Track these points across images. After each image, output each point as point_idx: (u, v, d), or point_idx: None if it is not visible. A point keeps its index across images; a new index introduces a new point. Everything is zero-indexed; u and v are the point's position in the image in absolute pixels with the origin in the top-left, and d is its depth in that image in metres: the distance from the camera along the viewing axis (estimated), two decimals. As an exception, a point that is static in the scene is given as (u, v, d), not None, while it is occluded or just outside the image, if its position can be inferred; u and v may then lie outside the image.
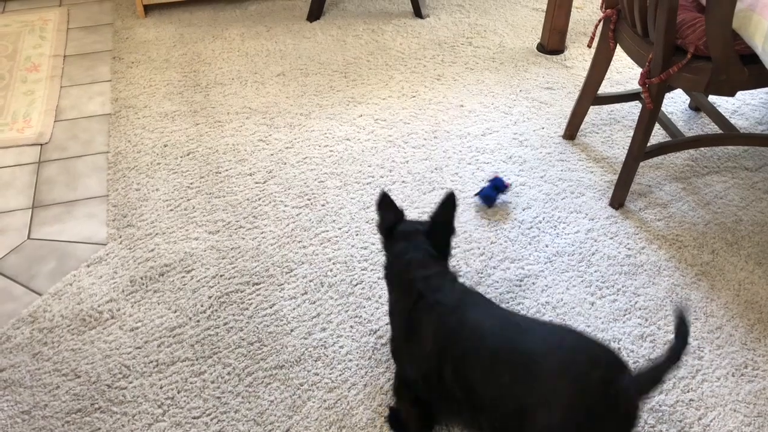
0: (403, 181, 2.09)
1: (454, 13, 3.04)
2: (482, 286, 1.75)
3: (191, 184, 2.10)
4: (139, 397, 1.51)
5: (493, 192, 1.99)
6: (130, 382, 1.54)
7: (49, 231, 1.96)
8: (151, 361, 1.59)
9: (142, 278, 1.79)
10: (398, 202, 2.00)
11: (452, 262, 1.62)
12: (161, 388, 1.53)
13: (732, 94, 1.72)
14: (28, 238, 1.94)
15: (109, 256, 1.86)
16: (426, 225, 1.47)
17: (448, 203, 1.45)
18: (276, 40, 2.85)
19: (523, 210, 1.99)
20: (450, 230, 1.48)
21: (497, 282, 1.77)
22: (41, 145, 2.29)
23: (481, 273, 1.79)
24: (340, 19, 3.01)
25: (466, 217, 1.97)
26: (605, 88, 2.50)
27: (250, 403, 1.50)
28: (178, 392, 1.52)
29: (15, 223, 1.98)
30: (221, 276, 1.79)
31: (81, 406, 1.50)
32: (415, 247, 1.42)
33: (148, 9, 3.08)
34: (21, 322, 1.68)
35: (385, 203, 1.50)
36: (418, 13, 3.01)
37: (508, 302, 1.71)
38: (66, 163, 2.21)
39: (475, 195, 2.01)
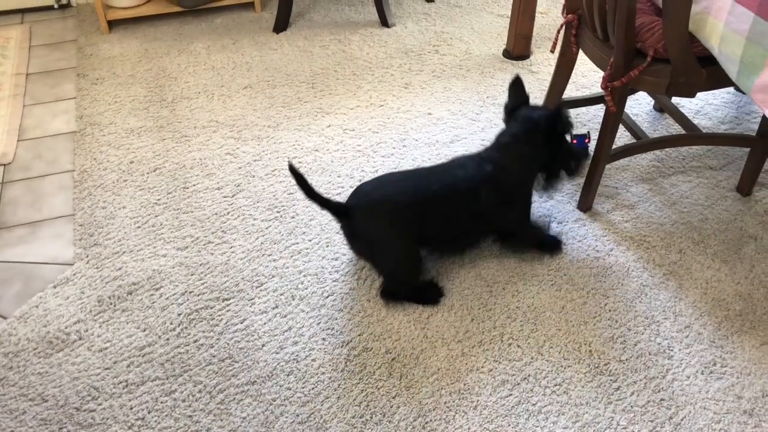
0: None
1: (420, 22, 3.06)
2: (452, 293, 1.75)
3: (158, 200, 2.08)
4: (108, 419, 1.49)
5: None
6: (100, 404, 1.52)
7: (13, 253, 1.92)
8: (121, 382, 1.56)
9: (110, 298, 1.77)
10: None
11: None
12: (131, 408, 1.51)
13: (692, 95, 1.74)
14: (-8, 260, 1.90)
15: (76, 276, 1.83)
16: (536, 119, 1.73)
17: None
18: (242, 52, 2.84)
19: (493, 216, 2.00)
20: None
21: (467, 288, 1.77)
22: (4, 165, 2.25)
23: (452, 280, 1.79)
24: (306, 29, 3.01)
25: (436, 224, 1.97)
26: (570, 92, 2.53)
27: (222, 420, 1.48)
28: (149, 412, 1.50)
29: (-22, 246, 1.95)
30: (190, 293, 1.78)
31: (49, 431, 1.47)
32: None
33: (112, 24, 3.06)
34: (-15, 347, 1.65)
35: (517, 86, 1.78)
36: (384, 22, 3.02)
37: (478, 308, 1.71)
38: (30, 183, 2.18)
39: None
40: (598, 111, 2.44)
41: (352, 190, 2.09)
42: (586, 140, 2.14)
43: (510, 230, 1.84)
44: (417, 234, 1.70)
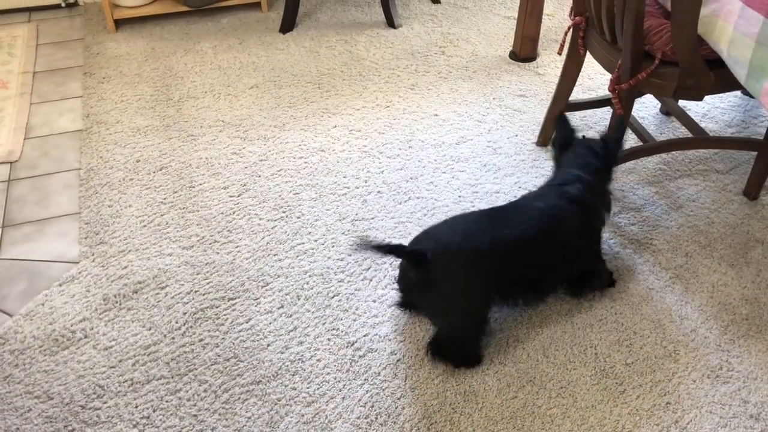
0: (378, 191, 2.09)
1: (427, 23, 3.06)
2: (459, 295, 1.75)
3: (164, 199, 2.08)
4: (113, 417, 1.49)
5: None
6: (105, 402, 1.52)
7: (19, 250, 1.93)
8: (126, 380, 1.56)
9: (115, 296, 1.77)
10: (374, 213, 2.00)
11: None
12: (136, 407, 1.51)
13: (699, 98, 1.74)
14: (-2, 258, 1.91)
15: (82, 275, 1.83)
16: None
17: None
18: (249, 52, 2.84)
19: (499, 217, 2.00)
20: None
21: (474, 290, 1.77)
22: (11, 163, 2.26)
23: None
24: (313, 30, 3.02)
25: (441, 226, 1.97)
26: (577, 94, 2.53)
27: (227, 420, 1.48)
28: (154, 411, 1.50)
29: (-16, 243, 1.95)
30: (196, 292, 1.78)
31: (54, 428, 1.47)
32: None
33: (119, 24, 3.06)
34: (-9, 345, 1.65)
35: (563, 122, 1.79)
36: (390, 23, 3.02)
37: (485, 310, 1.71)
38: (37, 181, 2.18)
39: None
40: (605, 113, 2.43)
41: (357, 190, 2.09)
42: None
43: (587, 267, 1.72)
44: (499, 284, 1.57)
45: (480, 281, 1.52)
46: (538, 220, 1.57)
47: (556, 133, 1.79)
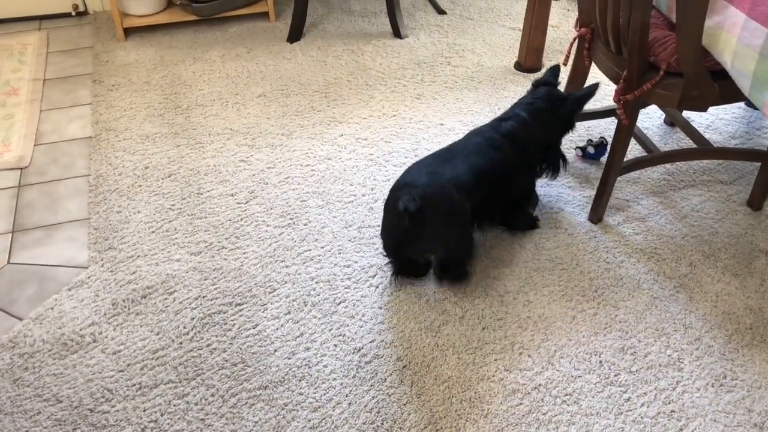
0: (384, 199, 2.10)
1: (433, 33, 3.08)
2: (464, 302, 1.77)
3: (173, 205, 2.10)
4: (122, 421, 1.50)
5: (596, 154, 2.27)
6: (113, 406, 1.53)
7: (29, 255, 1.94)
8: (134, 384, 1.58)
9: (124, 301, 1.79)
10: (380, 221, 2.02)
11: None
12: (144, 411, 1.52)
13: (704, 109, 1.76)
14: (8, 262, 1.92)
15: (91, 279, 1.85)
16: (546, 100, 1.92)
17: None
18: (256, 61, 2.87)
19: (503, 226, 2.01)
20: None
21: (479, 298, 1.78)
22: (21, 169, 2.28)
23: (463, 289, 1.81)
24: (320, 40, 3.04)
25: (447, 234, 1.98)
26: (582, 104, 2.54)
27: (234, 424, 1.49)
28: (162, 415, 1.51)
29: (-5, 248, 1.97)
30: (204, 297, 1.79)
31: (63, 431, 1.48)
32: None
33: (128, 32, 3.10)
34: (1, 348, 1.67)
35: (554, 71, 1.99)
36: (397, 33, 3.05)
37: (489, 318, 1.73)
38: (46, 187, 2.20)
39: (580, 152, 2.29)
40: (610, 124, 2.45)
41: (364, 198, 2.11)
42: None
43: (518, 201, 1.96)
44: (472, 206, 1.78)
45: (462, 207, 1.73)
46: (477, 152, 1.82)
47: (542, 76, 2.01)
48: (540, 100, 1.91)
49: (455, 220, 1.72)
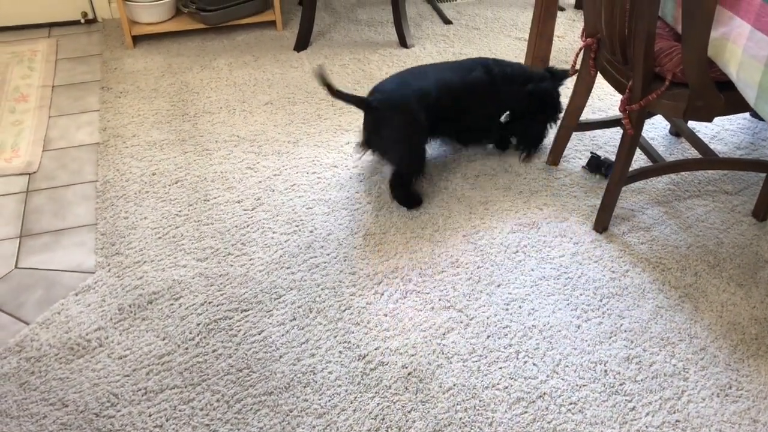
0: (390, 207, 2.12)
1: (439, 43, 3.10)
2: (469, 309, 1.77)
3: (179, 211, 2.11)
4: (127, 426, 1.51)
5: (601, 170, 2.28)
6: (119, 411, 1.54)
7: (37, 260, 1.96)
8: (140, 389, 1.58)
9: (130, 306, 1.79)
10: (385, 228, 2.03)
11: (442, 282, 1.66)
12: (150, 416, 1.53)
13: (709, 119, 1.76)
14: (16, 267, 1.94)
15: (98, 284, 1.86)
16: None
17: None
18: (263, 69, 2.89)
19: (509, 234, 2.02)
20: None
21: (484, 306, 1.79)
22: (29, 174, 2.30)
23: (468, 297, 1.81)
24: (326, 48, 3.06)
25: (452, 241, 1.99)
26: (587, 114, 2.56)
27: (239, 430, 1.50)
28: (167, 420, 1.52)
29: (2, 253, 1.98)
30: (210, 303, 1.80)
31: (68, 435, 1.49)
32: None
33: (136, 40, 3.12)
34: (8, 352, 1.67)
35: (559, 78, 2.28)
36: (403, 42, 3.06)
37: (494, 326, 1.73)
38: (54, 192, 2.22)
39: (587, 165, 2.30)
40: (615, 134, 2.46)
41: (369, 206, 2.12)
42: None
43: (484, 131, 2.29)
44: (429, 121, 2.04)
45: (413, 121, 2.01)
46: (454, 71, 2.13)
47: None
48: (518, 71, 2.22)
49: (405, 130, 2.04)
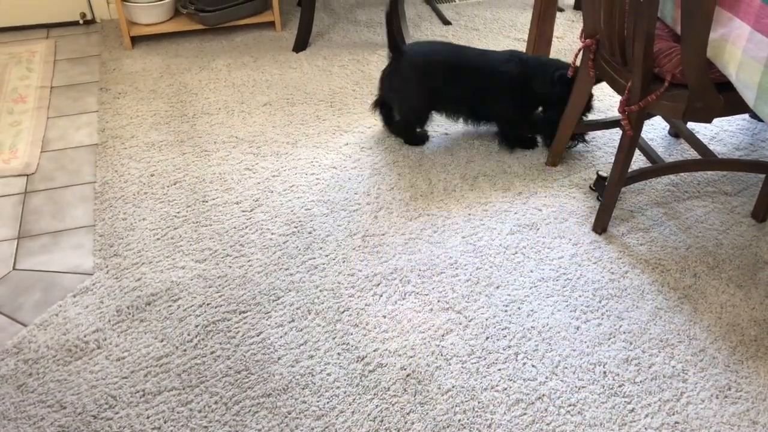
0: (389, 208, 2.11)
1: (438, 44, 3.09)
2: (468, 311, 1.77)
3: (178, 213, 2.11)
4: (125, 428, 1.50)
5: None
6: (117, 413, 1.53)
7: (35, 261, 1.95)
8: (138, 391, 1.58)
9: (128, 308, 1.79)
10: (384, 229, 2.02)
11: (440, 286, 1.66)
12: (148, 418, 1.52)
13: (708, 120, 1.76)
14: (14, 268, 1.93)
15: (96, 286, 1.86)
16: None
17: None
18: (262, 70, 2.89)
19: (508, 236, 2.02)
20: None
21: (483, 307, 1.78)
22: (28, 175, 2.29)
23: (467, 298, 1.81)
24: (325, 49, 3.06)
25: (451, 243, 1.99)
26: (586, 115, 2.55)
27: (237, 432, 1.50)
28: (165, 422, 1.52)
29: (0, 254, 1.98)
30: (208, 305, 1.80)
31: (66, 437, 1.48)
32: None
33: (135, 41, 3.12)
34: (5, 354, 1.67)
35: (562, 82, 2.29)
36: (402, 43, 3.05)
37: (493, 327, 1.73)
38: (52, 194, 2.21)
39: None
40: (615, 135, 2.46)
41: (368, 207, 2.12)
42: None
43: (502, 122, 2.39)
44: (440, 93, 2.30)
45: (424, 84, 2.30)
46: (486, 59, 2.29)
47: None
48: (536, 67, 2.31)
49: (409, 81, 2.30)
